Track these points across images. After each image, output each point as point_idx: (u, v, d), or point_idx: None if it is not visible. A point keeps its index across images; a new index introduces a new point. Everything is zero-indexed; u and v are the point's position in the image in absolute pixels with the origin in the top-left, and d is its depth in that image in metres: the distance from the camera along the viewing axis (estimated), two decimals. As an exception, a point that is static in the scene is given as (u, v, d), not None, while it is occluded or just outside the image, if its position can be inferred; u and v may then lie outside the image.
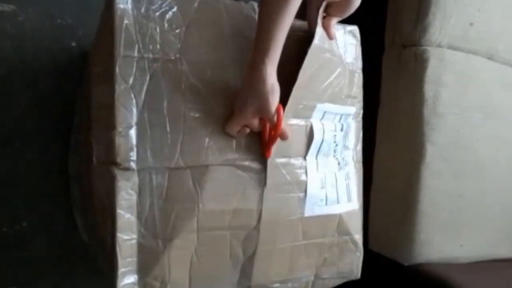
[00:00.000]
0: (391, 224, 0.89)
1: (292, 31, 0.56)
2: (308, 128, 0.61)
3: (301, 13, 0.57)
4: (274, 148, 0.58)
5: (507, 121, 0.96)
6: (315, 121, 0.62)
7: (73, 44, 0.83)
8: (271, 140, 0.57)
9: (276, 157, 0.59)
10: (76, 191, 0.79)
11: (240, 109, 0.55)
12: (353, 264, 0.70)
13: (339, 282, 0.70)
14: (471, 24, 0.90)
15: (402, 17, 0.89)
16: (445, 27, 0.86)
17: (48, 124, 0.82)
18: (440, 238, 0.87)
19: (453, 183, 0.88)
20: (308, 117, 0.61)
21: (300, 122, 0.61)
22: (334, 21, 0.60)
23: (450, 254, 0.90)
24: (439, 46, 0.88)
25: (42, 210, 0.83)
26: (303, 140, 0.61)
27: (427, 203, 0.86)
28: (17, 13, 0.79)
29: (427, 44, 0.87)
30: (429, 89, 0.85)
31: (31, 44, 0.80)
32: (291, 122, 0.59)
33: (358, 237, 0.70)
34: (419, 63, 0.86)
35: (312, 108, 0.61)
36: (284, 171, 0.60)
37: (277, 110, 0.54)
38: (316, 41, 0.58)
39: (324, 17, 0.60)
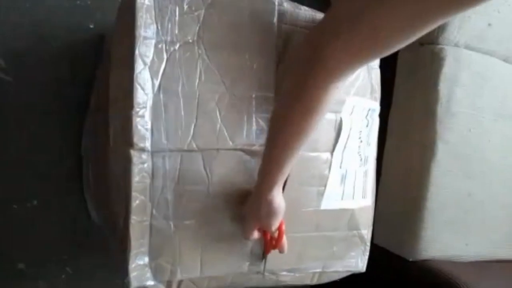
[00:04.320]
0: (398, 220, 0.89)
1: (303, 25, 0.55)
2: (338, 122, 0.62)
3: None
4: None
5: (520, 124, 0.96)
6: (344, 116, 0.62)
7: (91, 26, 0.84)
8: (268, 249, 0.60)
9: (305, 151, 0.59)
10: (89, 172, 0.80)
11: (246, 223, 0.57)
12: (358, 257, 0.70)
13: (344, 274, 0.71)
14: (490, 25, 0.89)
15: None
16: (463, 27, 0.86)
17: (62, 105, 0.83)
18: (446, 236, 0.87)
19: (462, 182, 0.88)
20: (338, 111, 0.62)
21: (330, 116, 0.61)
22: None
23: (455, 252, 0.90)
24: (456, 45, 0.87)
25: (54, 190, 0.84)
26: (332, 134, 0.62)
27: (435, 201, 0.86)
28: (36, -5, 0.79)
29: (444, 43, 0.86)
30: (444, 87, 0.85)
31: (49, 23, 0.80)
32: None
33: (366, 232, 0.70)
34: (436, 61, 0.86)
35: (342, 102, 0.61)
36: (310, 165, 0.60)
37: (279, 228, 0.57)
38: None
39: None
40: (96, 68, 0.82)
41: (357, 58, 0.42)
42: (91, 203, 0.83)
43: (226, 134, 0.56)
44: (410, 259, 0.88)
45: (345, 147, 0.63)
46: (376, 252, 0.75)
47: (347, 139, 0.63)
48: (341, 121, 0.61)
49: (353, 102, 0.62)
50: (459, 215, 0.89)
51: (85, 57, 0.83)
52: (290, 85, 0.48)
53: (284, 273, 0.64)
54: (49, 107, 0.82)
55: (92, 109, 0.80)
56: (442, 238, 0.88)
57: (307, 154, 0.59)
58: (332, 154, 0.62)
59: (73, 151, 0.84)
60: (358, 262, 0.70)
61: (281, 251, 0.58)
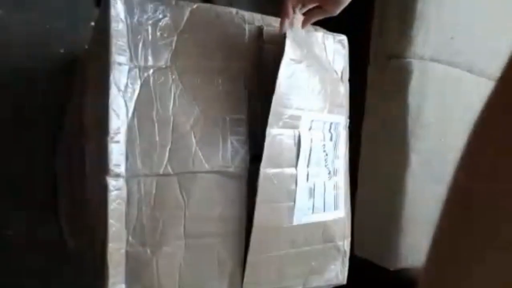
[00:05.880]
0: (376, 230, 0.91)
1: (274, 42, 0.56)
2: (297, 138, 0.63)
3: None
4: (266, 158, 0.59)
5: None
6: (303, 131, 0.63)
7: (62, 50, 0.83)
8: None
9: (268, 167, 0.60)
10: (64, 198, 0.79)
11: None
12: (337, 270, 0.71)
13: (326, 289, 0.71)
14: (452, 38, 0.93)
15: (387, 31, 0.92)
16: (428, 40, 0.89)
17: (35, 131, 0.82)
18: (424, 243, 0.88)
19: (436, 190, 0.90)
20: (296, 127, 0.62)
21: (289, 132, 0.62)
22: (314, 18, 0.60)
23: (434, 260, 0.92)
24: (422, 58, 0.91)
25: (28, 217, 0.82)
26: (293, 150, 0.62)
27: (412, 210, 0.88)
28: (4, 18, 0.78)
29: (410, 56, 0.89)
30: (412, 100, 0.88)
31: (19, 50, 0.79)
32: (279, 132, 0.60)
33: (342, 243, 0.71)
34: (403, 74, 0.89)
35: (298, 118, 0.62)
36: (275, 181, 0.61)
37: None
38: (286, 54, 0.59)
39: (306, 12, 0.61)
40: (68, 92, 0.81)
41: None
42: (67, 229, 0.81)
43: (201, 157, 0.56)
44: (391, 269, 0.89)
45: (309, 161, 0.64)
46: (358, 264, 0.76)
47: (310, 153, 0.64)
48: (299, 135, 0.62)
49: (310, 117, 0.63)
50: (435, 222, 0.91)
51: (56, 82, 0.82)
52: None
53: (266, 293, 0.64)
54: (22, 131, 0.80)
55: (66, 133, 0.79)
56: (421, 246, 0.90)
57: (270, 171, 0.60)
58: (296, 169, 0.63)
59: (47, 177, 0.82)
60: (338, 274, 0.71)
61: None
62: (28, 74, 0.80)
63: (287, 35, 0.59)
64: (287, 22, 0.59)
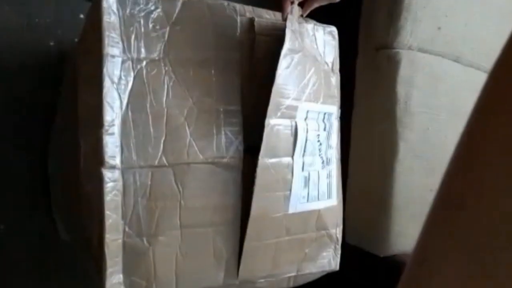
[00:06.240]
0: (367, 218, 0.93)
1: (266, 33, 0.57)
2: (294, 128, 0.64)
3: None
4: (264, 148, 0.60)
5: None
6: (299, 121, 0.64)
7: (52, 43, 0.82)
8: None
9: (266, 157, 0.61)
10: (58, 191, 0.78)
11: None
12: (330, 257, 0.73)
13: (319, 275, 0.73)
14: (439, 28, 0.95)
15: (376, 22, 0.93)
16: (415, 31, 0.91)
17: (26, 125, 0.81)
18: (413, 230, 0.92)
19: (424, 178, 0.93)
20: (293, 117, 0.63)
21: (286, 122, 0.63)
22: (317, 4, 0.61)
23: (422, 245, 0.95)
24: (410, 48, 0.92)
25: (20, 212, 0.81)
26: (290, 139, 0.63)
27: (401, 198, 0.90)
28: (-8, 11, 0.77)
29: (399, 47, 0.91)
30: (401, 89, 0.90)
31: (8, 43, 0.78)
32: (277, 123, 0.61)
33: (335, 231, 0.72)
34: (392, 65, 0.90)
35: (295, 108, 0.63)
36: (273, 171, 0.62)
37: None
38: (287, 45, 0.60)
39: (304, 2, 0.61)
40: (58, 86, 0.81)
41: None
42: (61, 224, 0.81)
43: (196, 148, 0.57)
44: (381, 255, 0.92)
45: (304, 150, 0.65)
46: (349, 251, 0.78)
47: (305, 142, 0.65)
48: (296, 126, 0.64)
49: (306, 107, 0.65)
50: (423, 209, 0.93)
51: (46, 75, 0.82)
52: None
53: (261, 280, 0.65)
54: (13, 126, 0.80)
55: (57, 129, 0.79)
56: (410, 233, 0.92)
57: (268, 160, 0.61)
58: (292, 159, 0.64)
59: (38, 173, 0.82)
60: (331, 261, 0.73)
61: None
62: (16, 67, 0.79)
63: (287, 25, 0.60)
64: (289, 8, 0.59)
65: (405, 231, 0.91)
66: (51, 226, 0.83)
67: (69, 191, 0.70)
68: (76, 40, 0.81)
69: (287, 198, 0.64)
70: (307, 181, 0.66)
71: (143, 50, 0.54)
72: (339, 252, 0.74)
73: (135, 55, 0.53)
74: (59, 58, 0.82)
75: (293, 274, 0.68)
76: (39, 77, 0.82)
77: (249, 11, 0.63)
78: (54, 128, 0.81)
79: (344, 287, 0.96)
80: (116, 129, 0.52)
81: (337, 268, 0.74)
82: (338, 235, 0.73)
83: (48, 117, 0.81)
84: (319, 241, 0.70)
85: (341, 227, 0.74)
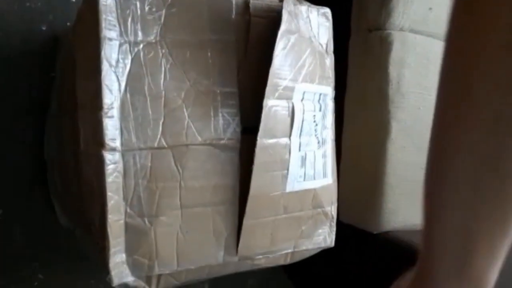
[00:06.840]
0: (360, 196, 0.96)
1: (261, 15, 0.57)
2: (291, 108, 0.65)
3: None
4: (263, 129, 0.60)
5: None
6: (296, 102, 0.65)
7: (44, 28, 0.82)
8: None
9: (265, 138, 0.62)
10: (55, 175, 0.79)
11: None
12: (325, 234, 0.75)
13: (315, 251, 0.75)
14: (430, 9, 0.96)
15: (368, 3, 0.94)
16: (407, 12, 0.92)
17: (20, 110, 0.81)
18: (405, 207, 0.94)
19: (416, 157, 0.95)
20: (289, 98, 0.64)
21: (283, 103, 0.64)
22: None
23: (414, 222, 0.97)
24: (401, 29, 0.93)
25: (18, 197, 0.82)
26: (287, 120, 0.65)
27: (393, 176, 0.92)
28: (-18, -5, 0.76)
29: (391, 28, 0.92)
30: (393, 70, 0.91)
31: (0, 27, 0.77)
32: (275, 104, 0.62)
33: (330, 208, 0.75)
34: (384, 46, 0.91)
35: (292, 89, 0.64)
36: (271, 151, 0.63)
37: None
38: (283, 26, 0.61)
39: None
40: (51, 71, 0.80)
41: None
42: (59, 208, 0.82)
43: (194, 129, 0.58)
44: (374, 232, 0.94)
45: (301, 131, 0.66)
46: (343, 229, 0.81)
47: (302, 123, 0.66)
48: (293, 107, 0.65)
49: (302, 88, 0.66)
50: (415, 187, 0.96)
51: (39, 60, 0.81)
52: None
53: (259, 256, 0.68)
54: (7, 111, 0.80)
55: (53, 113, 0.79)
56: (402, 210, 0.95)
57: (266, 141, 0.62)
58: (290, 139, 0.65)
59: (34, 157, 0.82)
60: (326, 238, 0.75)
61: None
62: (9, 52, 0.79)
63: (284, 6, 0.60)
64: None
65: (398, 208, 0.94)
66: (50, 210, 0.83)
67: (67, 175, 0.71)
68: (68, 24, 0.80)
69: (285, 177, 0.65)
70: (303, 160, 0.67)
71: (139, 33, 0.54)
72: (334, 229, 0.76)
73: (132, 38, 0.54)
74: (51, 43, 0.81)
75: (290, 250, 0.71)
76: (32, 63, 0.81)
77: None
78: (49, 113, 0.81)
79: (337, 264, 0.99)
80: (115, 112, 0.53)
81: (333, 244, 0.76)
82: (333, 213, 0.75)
83: (42, 102, 0.80)
84: (315, 219, 0.72)
85: (336, 205, 0.76)
